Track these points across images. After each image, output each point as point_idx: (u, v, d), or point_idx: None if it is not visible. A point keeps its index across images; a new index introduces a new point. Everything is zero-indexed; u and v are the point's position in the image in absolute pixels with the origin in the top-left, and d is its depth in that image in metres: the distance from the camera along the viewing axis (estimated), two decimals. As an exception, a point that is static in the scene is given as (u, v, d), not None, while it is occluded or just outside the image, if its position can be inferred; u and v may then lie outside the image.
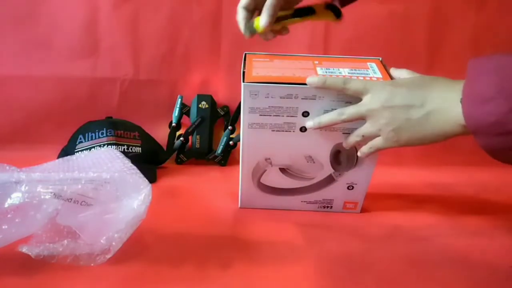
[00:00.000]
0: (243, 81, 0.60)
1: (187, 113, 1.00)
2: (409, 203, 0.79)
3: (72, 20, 0.95)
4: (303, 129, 0.64)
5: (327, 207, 0.73)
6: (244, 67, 0.63)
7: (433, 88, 0.55)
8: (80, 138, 0.90)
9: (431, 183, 0.90)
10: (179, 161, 0.96)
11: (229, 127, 0.98)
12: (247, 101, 0.61)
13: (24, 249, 0.50)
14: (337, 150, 0.66)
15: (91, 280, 0.50)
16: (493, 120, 0.47)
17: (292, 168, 0.69)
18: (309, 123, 0.62)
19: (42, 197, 0.50)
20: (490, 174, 0.90)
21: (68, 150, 0.90)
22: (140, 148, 0.91)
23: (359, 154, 0.63)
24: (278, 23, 0.65)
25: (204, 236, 0.62)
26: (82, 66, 0.97)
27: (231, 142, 0.96)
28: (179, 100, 0.99)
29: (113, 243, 0.51)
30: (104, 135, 0.89)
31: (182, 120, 1.00)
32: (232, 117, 0.99)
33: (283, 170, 0.69)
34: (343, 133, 0.64)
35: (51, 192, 0.51)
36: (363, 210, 0.74)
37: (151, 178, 0.78)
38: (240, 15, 0.64)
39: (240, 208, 0.73)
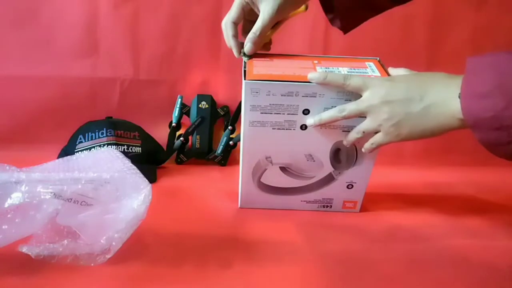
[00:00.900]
0: (244, 79, 0.61)
1: (187, 113, 1.00)
2: (409, 203, 0.79)
3: (72, 20, 0.95)
4: (303, 127, 0.64)
5: (327, 206, 0.73)
6: (245, 66, 0.64)
7: (431, 83, 0.56)
8: (80, 138, 0.90)
9: (431, 183, 0.90)
10: (179, 161, 0.96)
11: (229, 127, 0.98)
12: (248, 99, 0.62)
13: (24, 249, 0.50)
14: (337, 148, 0.66)
15: (91, 280, 0.50)
16: (490, 115, 0.48)
17: (292, 166, 0.69)
18: (309, 120, 0.63)
19: (42, 197, 0.50)
20: (490, 174, 0.90)
21: (68, 150, 0.90)
22: (140, 148, 0.91)
23: (362, 150, 0.63)
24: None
25: (204, 236, 0.62)
26: (82, 66, 0.97)
27: (231, 142, 0.96)
28: (179, 100, 0.99)
29: (113, 243, 0.51)
30: (104, 135, 0.89)
31: (182, 120, 1.00)
32: (232, 117, 0.99)
33: (283, 169, 0.69)
34: (343, 131, 0.64)
35: (51, 192, 0.51)
36: (363, 209, 0.74)
37: (151, 178, 0.78)
38: (230, 31, 0.64)
39: (240, 208, 0.73)
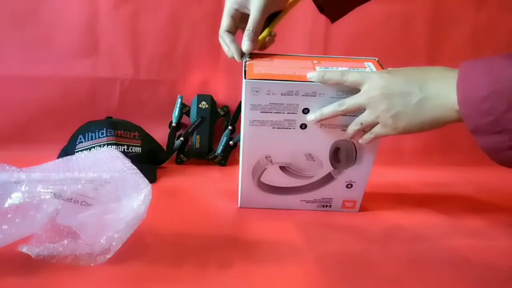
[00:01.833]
0: (245, 78, 0.61)
1: (187, 113, 1.00)
2: (409, 202, 0.79)
3: (72, 20, 0.95)
4: (303, 126, 0.64)
5: (326, 206, 0.73)
6: (245, 66, 0.64)
7: (430, 76, 0.56)
8: (80, 138, 0.90)
9: (431, 183, 0.90)
10: (179, 161, 0.96)
11: (229, 127, 0.98)
12: (248, 98, 0.62)
13: (24, 249, 0.50)
14: (337, 147, 0.67)
15: (91, 280, 0.50)
16: (491, 119, 0.48)
17: (292, 166, 0.69)
18: (310, 116, 0.63)
19: (42, 197, 0.50)
20: (490, 174, 0.90)
21: (68, 150, 0.90)
22: (140, 148, 0.91)
23: (360, 141, 0.63)
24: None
25: (204, 236, 0.62)
26: (82, 66, 0.97)
27: (231, 142, 0.96)
28: (179, 100, 0.99)
29: (113, 243, 0.51)
30: (104, 135, 0.89)
31: (182, 120, 1.00)
32: (232, 117, 0.99)
33: (283, 168, 0.69)
34: (342, 130, 0.64)
35: (51, 192, 0.50)
36: (363, 209, 0.74)
37: (151, 178, 0.78)
38: (227, 39, 0.65)
39: (240, 207, 0.73)
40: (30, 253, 0.50)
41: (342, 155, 0.67)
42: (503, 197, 0.83)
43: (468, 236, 0.67)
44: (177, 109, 0.99)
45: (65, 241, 0.51)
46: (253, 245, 0.61)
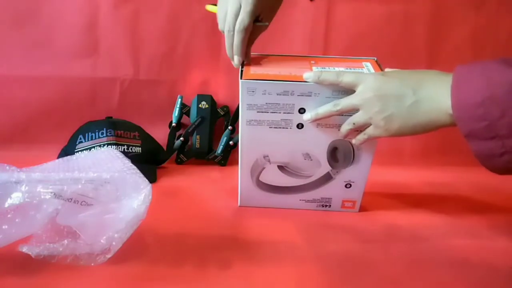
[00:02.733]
0: (241, 79, 0.62)
1: (187, 113, 1.00)
2: (408, 203, 0.79)
3: (72, 20, 0.95)
4: (300, 125, 0.65)
5: (326, 205, 0.73)
6: (243, 66, 0.65)
7: (424, 79, 0.56)
8: (80, 138, 0.90)
9: (430, 183, 0.90)
10: (179, 161, 0.96)
11: (229, 127, 0.98)
12: (244, 98, 0.63)
13: (25, 249, 0.50)
14: (334, 147, 0.67)
15: (91, 280, 0.51)
16: (485, 124, 0.48)
17: (290, 165, 0.69)
18: (306, 115, 0.63)
19: (42, 197, 0.50)
20: (490, 174, 0.89)
21: (68, 150, 0.90)
22: (140, 148, 0.91)
23: (353, 141, 0.64)
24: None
25: (204, 236, 0.62)
26: (82, 66, 0.97)
27: (231, 142, 0.96)
28: (179, 100, 0.99)
29: (113, 243, 0.51)
30: (104, 135, 0.89)
31: (182, 120, 1.00)
32: (232, 117, 0.99)
33: (281, 167, 0.70)
34: (339, 130, 0.64)
35: (51, 192, 0.51)
36: (363, 209, 0.74)
37: (151, 178, 0.78)
38: (240, 37, 0.64)
39: (239, 206, 0.73)
40: (30, 253, 0.50)
41: (340, 155, 0.68)
42: (503, 197, 0.83)
43: (468, 236, 0.67)
44: (177, 109, 0.99)
45: (65, 241, 0.51)
46: (253, 245, 0.61)
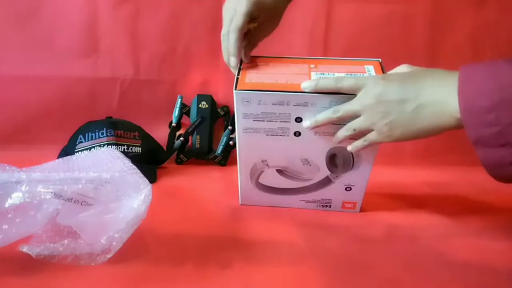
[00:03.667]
0: (235, 89, 0.61)
1: (187, 113, 1.00)
2: (409, 203, 0.79)
3: (72, 20, 0.95)
4: (297, 133, 0.64)
5: (326, 206, 0.73)
6: (239, 73, 0.64)
7: (426, 80, 0.54)
8: (80, 138, 0.90)
9: (431, 183, 0.90)
10: (179, 161, 0.96)
11: (229, 127, 0.98)
12: (240, 107, 0.62)
13: (25, 249, 0.50)
14: (333, 153, 0.66)
15: (91, 280, 0.50)
16: (496, 130, 0.46)
17: (288, 169, 0.69)
18: (305, 123, 0.62)
19: (43, 197, 0.50)
20: (490, 174, 0.90)
21: (68, 150, 0.90)
22: (140, 148, 0.91)
23: (349, 148, 0.62)
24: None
25: (204, 236, 0.62)
26: (82, 66, 0.97)
27: (231, 142, 0.96)
28: (179, 100, 0.99)
29: (114, 243, 0.51)
30: (104, 135, 0.89)
31: (182, 120, 1.00)
32: (232, 117, 0.99)
33: (280, 171, 0.69)
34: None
35: (51, 192, 0.51)
36: (363, 209, 0.74)
37: (151, 178, 0.78)
38: (233, 37, 0.63)
39: (240, 206, 0.73)
40: (30, 253, 0.50)
41: (339, 161, 0.67)
42: (503, 197, 0.83)
43: (468, 236, 0.67)
44: (177, 109, 0.99)
45: (66, 241, 0.51)
46: (253, 245, 0.61)
